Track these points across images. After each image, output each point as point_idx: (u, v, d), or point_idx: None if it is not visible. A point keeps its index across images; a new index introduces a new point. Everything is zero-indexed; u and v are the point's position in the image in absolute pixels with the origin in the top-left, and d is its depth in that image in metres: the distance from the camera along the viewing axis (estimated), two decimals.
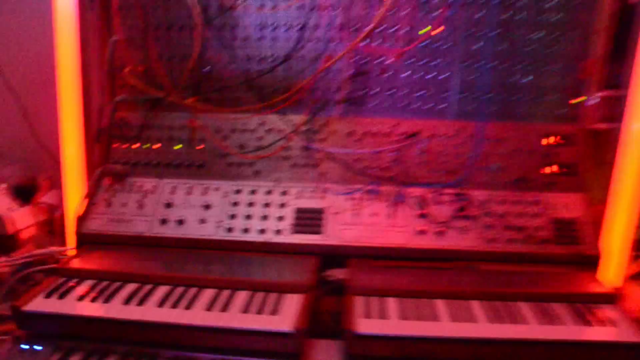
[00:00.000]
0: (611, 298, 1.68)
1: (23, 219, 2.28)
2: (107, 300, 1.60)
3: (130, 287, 1.67)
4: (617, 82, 2.00)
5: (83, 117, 2.13)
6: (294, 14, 2.01)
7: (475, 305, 1.62)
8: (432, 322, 1.52)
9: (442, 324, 1.52)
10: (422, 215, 1.92)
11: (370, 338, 1.46)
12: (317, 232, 1.90)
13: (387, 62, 2.03)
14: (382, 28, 1.99)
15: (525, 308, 1.61)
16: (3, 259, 2.08)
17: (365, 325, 1.48)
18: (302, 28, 2.01)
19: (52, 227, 2.39)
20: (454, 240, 1.88)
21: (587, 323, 1.55)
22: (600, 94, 2.02)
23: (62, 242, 2.20)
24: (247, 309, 1.55)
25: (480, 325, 1.52)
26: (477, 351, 1.47)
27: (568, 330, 1.52)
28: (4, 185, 2.34)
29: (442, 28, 1.98)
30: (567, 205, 1.98)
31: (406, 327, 1.49)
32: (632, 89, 1.92)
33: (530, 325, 1.53)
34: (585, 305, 1.64)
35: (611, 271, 1.98)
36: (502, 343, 1.46)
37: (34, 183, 2.46)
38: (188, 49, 2.03)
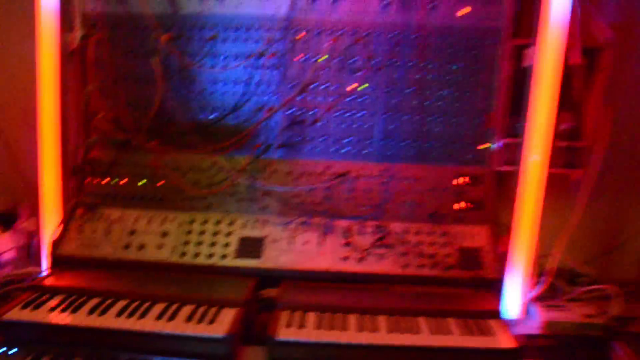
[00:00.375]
0: (496, 314, 2.02)
1: (4, 243, 2.59)
2: (74, 311, 1.91)
3: (94, 301, 1.98)
4: (516, 131, 2.36)
5: (61, 155, 2.44)
6: (241, 72, 2.38)
7: (381, 319, 1.95)
8: (340, 331, 1.85)
9: (349, 333, 1.85)
10: (347, 244, 2.27)
11: (286, 344, 1.79)
12: (257, 257, 2.23)
13: (320, 112, 2.40)
14: (315, 85, 2.37)
15: (423, 322, 1.95)
16: None
17: (284, 333, 1.81)
18: (248, 84, 2.38)
19: (30, 250, 2.69)
20: (372, 266, 2.22)
21: (472, 333, 1.89)
22: (502, 141, 2.39)
23: (39, 264, 2.51)
24: (190, 319, 1.88)
25: (380, 334, 1.85)
26: (374, 355, 1.81)
27: (453, 339, 1.85)
28: None
29: (366, 85, 2.35)
30: (473, 236, 2.33)
31: (318, 335, 1.82)
32: (527, 137, 2.29)
33: (423, 334, 1.87)
34: (475, 319, 1.98)
35: (511, 293, 2.32)
36: (394, 348, 1.80)
37: (15, 211, 2.77)
38: (151, 99, 2.38)
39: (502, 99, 2.36)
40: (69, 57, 2.42)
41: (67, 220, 2.37)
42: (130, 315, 1.89)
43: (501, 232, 2.41)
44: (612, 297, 2.34)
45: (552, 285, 2.50)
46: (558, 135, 2.36)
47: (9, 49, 2.75)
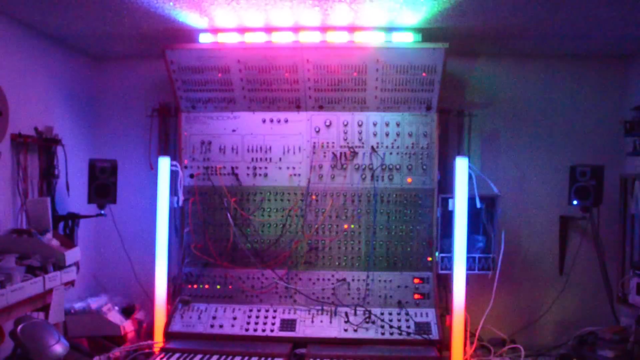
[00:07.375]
0: None
1: (128, 327, 4.03)
2: None
3: (198, 357, 3.42)
4: (448, 249, 3.85)
5: (167, 271, 3.94)
6: (279, 219, 3.95)
7: None
8: None
9: None
10: (346, 321, 3.71)
11: None
12: (292, 330, 3.68)
13: (327, 242, 3.92)
14: (323, 225, 3.91)
15: None
16: (117, 349, 3.81)
17: None
18: (284, 226, 3.94)
19: (140, 332, 4.13)
20: (362, 334, 3.65)
21: None
22: (440, 255, 3.87)
23: (150, 339, 3.90)
24: None
25: None
26: None
27: None
28: (117, 307, 4.12)
29: (353, 225, 3.89)
30: (425, 314, 3.77)
31: None
32: (454, 252, 3.76)
33: None
34: None
35: (454, 349, 3.70)
36: None
37: (131, 305, 4.24)
38: (225, 236, 3.94)
39: (437, 230, 3.87)
40: (175, 210, 3.99)
41: (173, 311, 3.84)
42: None
43: (444, 312, 3.85)
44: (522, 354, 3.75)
45: (486, 347, 3.89)
46: (477, 250, 3.85)
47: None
